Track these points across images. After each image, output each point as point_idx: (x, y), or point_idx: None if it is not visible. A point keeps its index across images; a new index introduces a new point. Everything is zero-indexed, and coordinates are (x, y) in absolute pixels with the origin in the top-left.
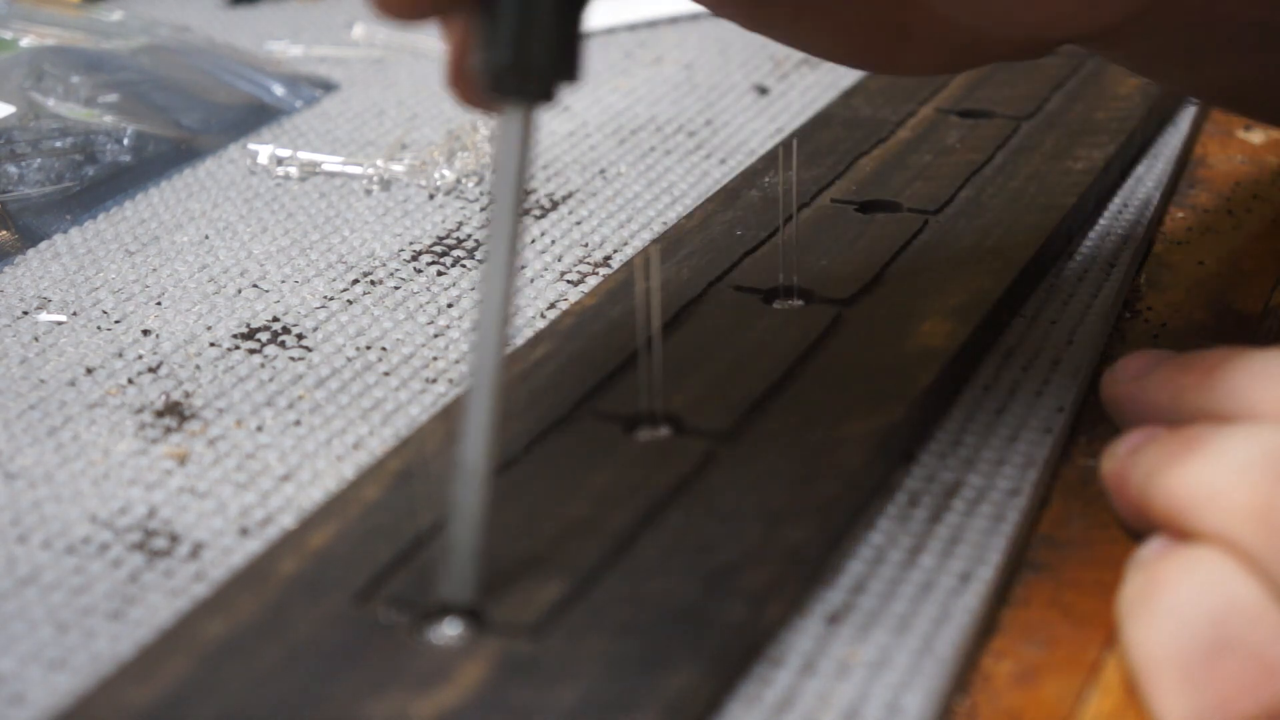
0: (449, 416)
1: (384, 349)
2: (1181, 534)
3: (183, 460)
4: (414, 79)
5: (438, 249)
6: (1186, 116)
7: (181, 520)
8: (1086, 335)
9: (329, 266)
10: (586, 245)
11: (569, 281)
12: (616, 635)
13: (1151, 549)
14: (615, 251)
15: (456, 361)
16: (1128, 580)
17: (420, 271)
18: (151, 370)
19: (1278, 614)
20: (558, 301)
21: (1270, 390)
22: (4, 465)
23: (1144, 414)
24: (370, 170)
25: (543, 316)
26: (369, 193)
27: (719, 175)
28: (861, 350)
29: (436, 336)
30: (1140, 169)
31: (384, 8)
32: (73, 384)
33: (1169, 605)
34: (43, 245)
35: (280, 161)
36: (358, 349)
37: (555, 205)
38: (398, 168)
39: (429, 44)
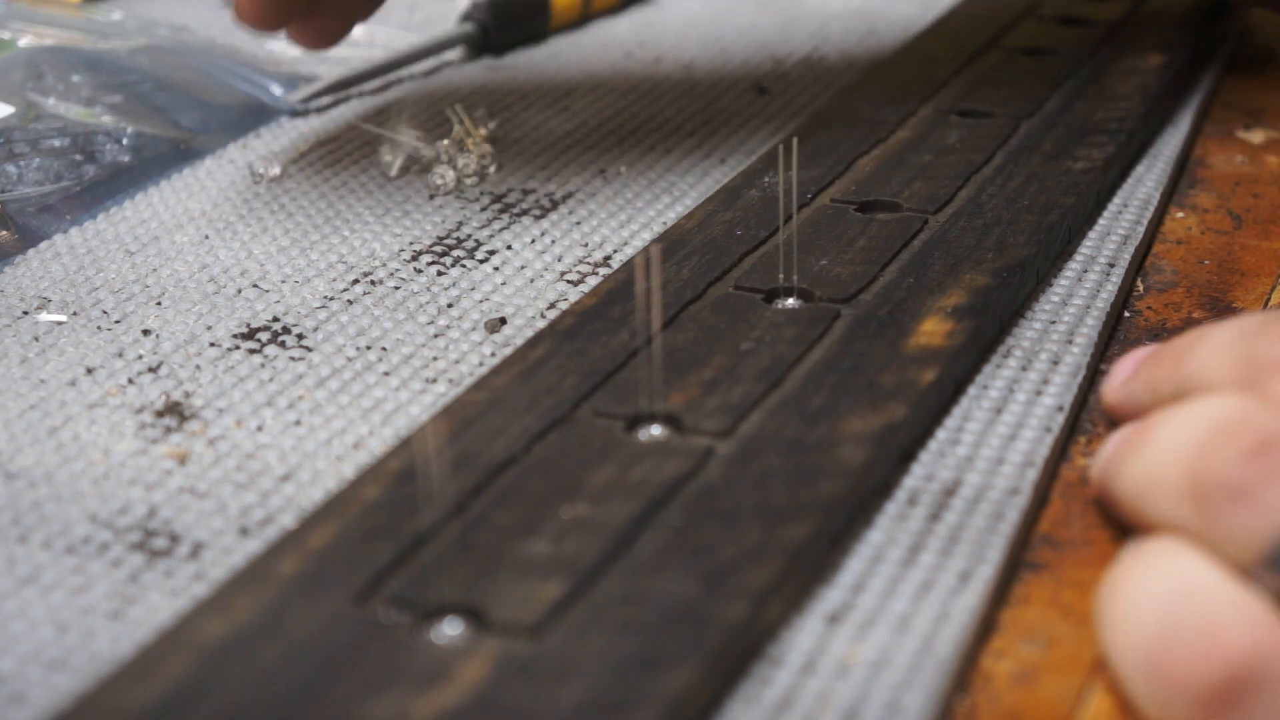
0: (449, 416)
1: (384, 349)
2: (1144, 527)
3: (183, 460)
4: (413, 79)
5: (438, 249)
6: (1186, 116)
7: (181, 520)
8: (1086, 335)
9: (329, 266)
10: (586, 245)
11: (569, 281)
12: (616, 635)
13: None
14: (615, 251)
15: (456, 361)
16: (1104, 581)
17: (420, 271)
18: (151, 370)
19: (1224, 584)
20: (558, 301)
21: (1219, 360)
22: (4, 465)
23: (1136, 415)
24: (400, 140)
25: (543, 316)
26: (388, 165)
27: (719, 175)
28: (861, 350)
29: (436, 336)
30: (1140, 169)
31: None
32: (73, 384)
33: (1127, 600)
34: (43, 245)
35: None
36: (358, 349)
37: (555, 205)
38: (420, 144)
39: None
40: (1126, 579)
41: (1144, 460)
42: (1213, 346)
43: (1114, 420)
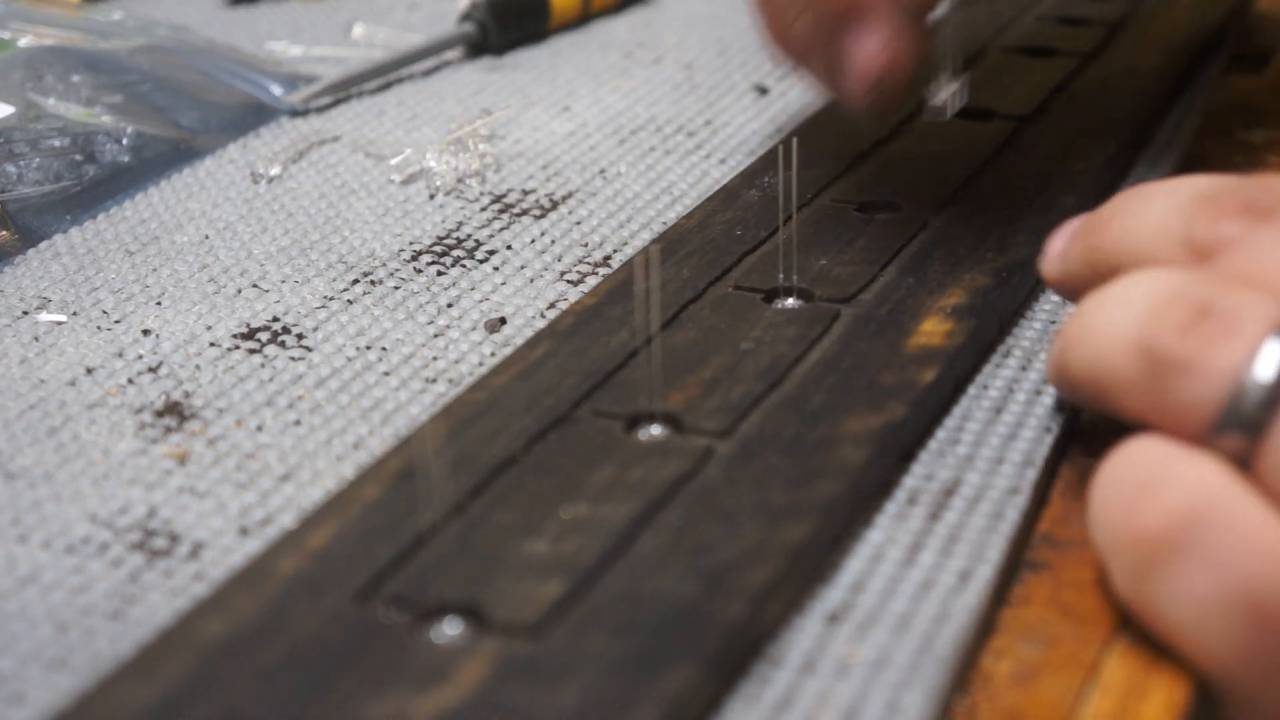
0: (449, 416)
1: (384, 349)
2: (1100, 408)
3: (183, 460)
4: (413, 78)
5: (438, 249)
6: (1186, 116)
7: (181, 520)
8: None
9: (329, 266)
10: (586, 245)
11: (569, 281)
12: (616, 635)
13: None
14: (615, 251)
15: (456, 361)
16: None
17: (420, 271)
18: (151, 370)
19: (1175, 448)
20: (558, 301)
21: (1154, 235)
22: (4, 465)
23: (1077, 288)
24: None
25: (543, 316)
26: (391, 181)
27: (719, 175)
28: (861, 350)
29: (436, 336)
30: (1140, 169)
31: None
32: (73, 384)
33: (1100, 478)
34: (43, 245)
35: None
36: (358, 349)
37: (555, 205)
38: (435, 165)
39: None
40: (1099, 474)
41: (1091, 343)
42: (1145, 220)
43: (1060, 296)
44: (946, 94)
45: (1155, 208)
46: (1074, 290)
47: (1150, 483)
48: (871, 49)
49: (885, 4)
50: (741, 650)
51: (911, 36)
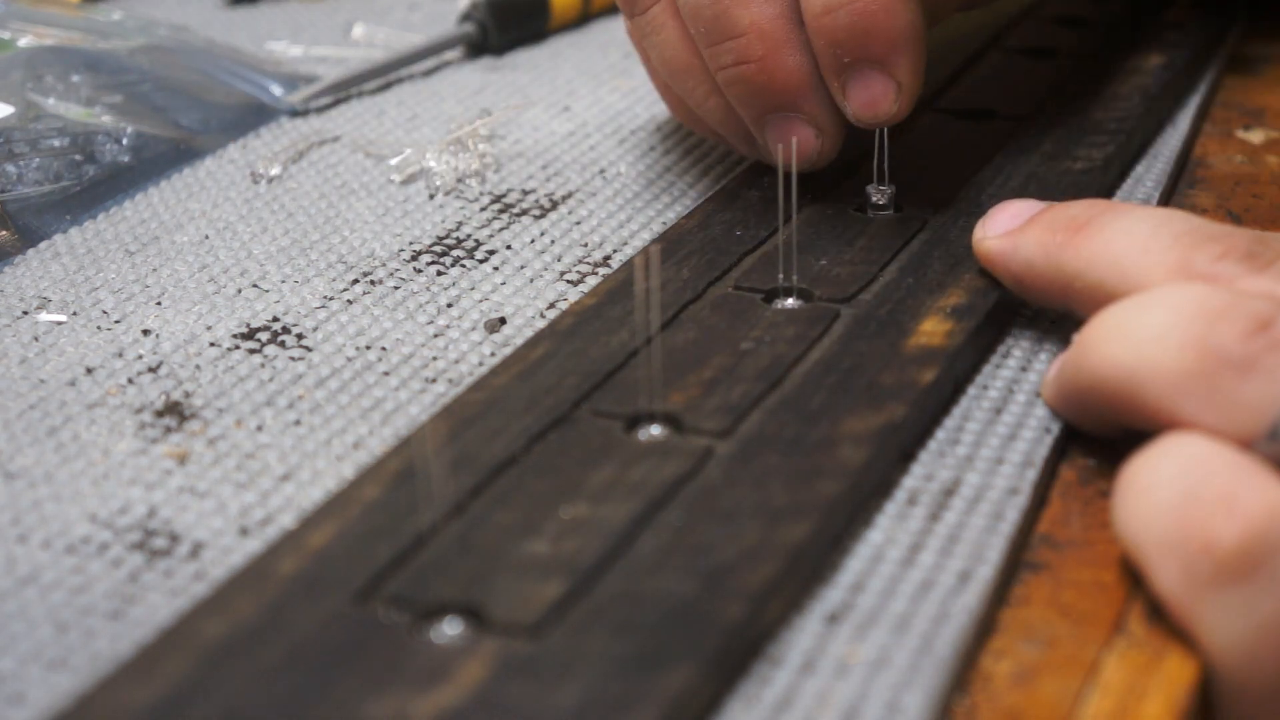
0: (449, 416)
1: (384, 349)
2: (1128, 413)
3: (183, 460)
4: (413, 78)
5: (438, 249)
6: (1186, 116)
7: (181, 520)
8: None
9: (329, 266)
10: (586, 245)
11: (569, 281)
12: (616, 635)
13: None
14: (615, 251)
15: (456, 361)
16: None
17: (420, 271)
18: (151, 370)
19: (1235, 456)
20: (558, 301)
21: (1145, 256)
22: (4, 465)
23: (1019, 272)
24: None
25: (543, 316)
26: (391, 181)
27: (719, 175)
28: (861, 350)
29: (436, 336)
30: (1140, 169)
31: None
32: (73, 384)
33: (1144, 481)
34: (43, 245)
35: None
36: (358, 349)
37: (555, 205)
38: (435, 165)
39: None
40: (1143, 464)
41: (1129, 342)
42: (1132, 239)
43: (988, 268)
44: (889, 193)
45: (1142, 229)
46: (1023, 277)
47: (1222, 492)
48: (799, 139)
49: (814, 99)
50: (741, 650)
51: (837, 128)
